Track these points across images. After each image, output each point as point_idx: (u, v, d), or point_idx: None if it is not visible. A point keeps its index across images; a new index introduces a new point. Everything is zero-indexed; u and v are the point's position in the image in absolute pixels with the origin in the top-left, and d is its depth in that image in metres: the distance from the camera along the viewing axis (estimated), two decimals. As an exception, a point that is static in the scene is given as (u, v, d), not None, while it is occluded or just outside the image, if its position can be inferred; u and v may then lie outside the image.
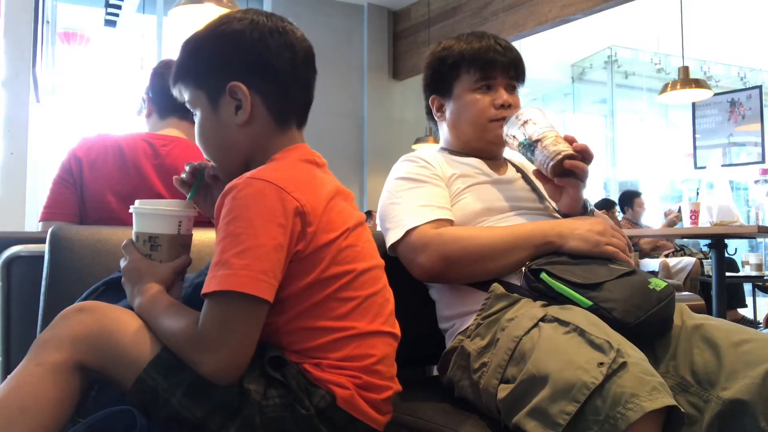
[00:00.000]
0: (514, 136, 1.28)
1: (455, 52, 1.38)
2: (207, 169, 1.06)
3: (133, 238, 1.00)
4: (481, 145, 1.39)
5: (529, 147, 1.25)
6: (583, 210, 1.29)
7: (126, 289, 0.97)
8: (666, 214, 5.47)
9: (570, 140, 1.23)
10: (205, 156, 1.05)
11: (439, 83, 1.41)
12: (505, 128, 1.31)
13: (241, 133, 0.99)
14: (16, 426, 0.80)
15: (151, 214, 0.98)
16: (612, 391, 0.85)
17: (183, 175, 1.06)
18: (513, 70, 1.38)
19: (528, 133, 1.25)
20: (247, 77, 0.97)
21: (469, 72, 1.36)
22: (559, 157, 1.20)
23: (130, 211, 0.99)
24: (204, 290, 0.84)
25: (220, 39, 0.98)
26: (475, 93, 1.36)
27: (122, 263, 0.99)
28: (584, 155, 1.21)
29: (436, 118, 1.45)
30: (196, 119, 1.02)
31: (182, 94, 1.03)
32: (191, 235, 1.03)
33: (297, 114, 1.03)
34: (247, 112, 0.97)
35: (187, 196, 1.05)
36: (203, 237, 1.20)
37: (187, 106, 1.03)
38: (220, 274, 0.83)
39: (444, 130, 1.45)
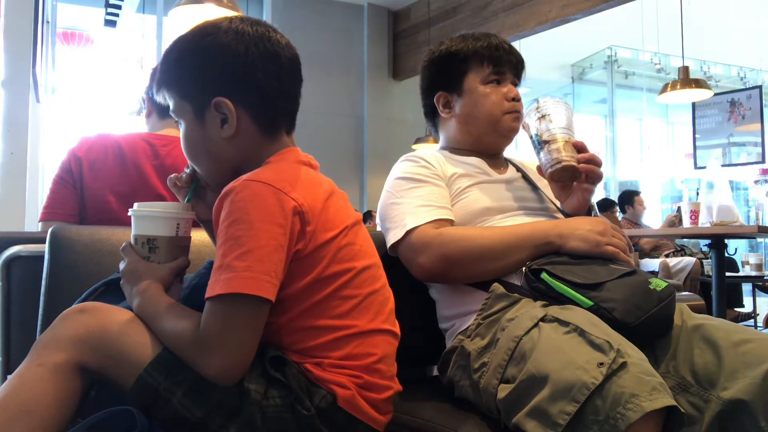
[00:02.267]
0: (529, 126, 1.30)
1: (465, 48, 1.39)
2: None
3: (132, 240, 1.00)
4: (493, 138, 1.39)
5: (536, 145, 1.27)
6: (587, 213, 1.29)
7: (125, 291, 0.97)
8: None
9: (579, 147, 1.24)
10: (192, 166, 1.04)
11: (447, 79, 1.42)
12: (524, 112, 1.33)
13: (228, 145, 0.98)
14: (18, 426, 0.80)
15: (149, 217, 0.99)
16: (612, 391, 0.85)
17: (183, 176, 1.06)
18: (517, 69, 1.41)
19: (541, 129, 1.26)
20: (232, 92, 0.96)
21: (481, 65, 1.38)
22: (558, 166, 1.23)
23: (129, 214, 0.99)
24: (208, 294, 0.84)
25: (206, 52, 0.97)
26: (487, 86, 1.38)
27: (121, 266, 0.99)
28: (591, 163, 1.24)
29: (442, 115, 1.44)
30: (182, 129, 1.01)
31: (166, 100, 1.02)
32: (189, 237, 1.03)
33: (285, 122, 1.03)
34: (233, 126, 0.96)
35: (185, 199, 1.05)
36: (202, 238, 1.20)
37: (172, 114, 1.02)
38: (223, 278, 0.83)
39: (451, 127, 1.44)
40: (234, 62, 0.96)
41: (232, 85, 0.96)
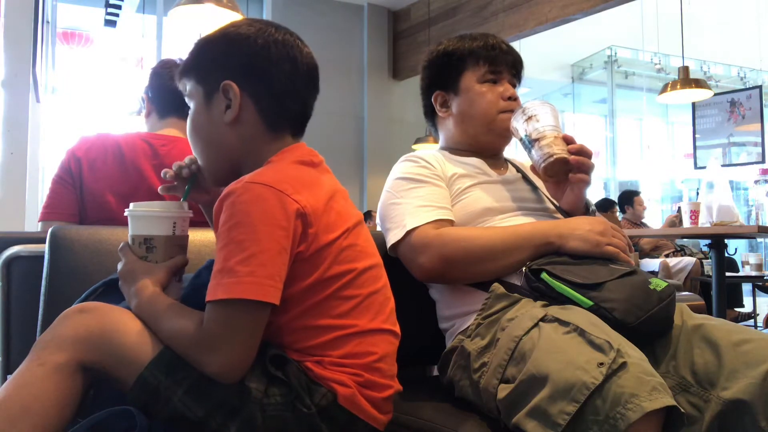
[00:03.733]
0: (517, 129, 1.30)
1: (462, 47, 1.40)
2: (197, 173, 1.06)
3: (129, 241, 1.00)
4: (489, 138, 1.39)
5: (527, 144, 1.27)
6: (585, 209, 1.29)
7: (123, 291, 0.97)
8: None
9: (568, 140, 1.25)
10: (192, 151, 1.05)
11: (445, 78, 1.42)
12: (512, 119, 1.33)
13: (228, 132, 0.99)
14: (19, 426, 0.80)
15: (145, 216, 0.99)
16: (612, 391, 0.85)
17: (174, 174, 1.06)
18: (515, 68, 1.41)
19: (529, 130, 1.26)
20: (242, 79, 0.98)
21: (477, 64, 1.38)
22: (551, 159, 1.22)
23: (125, 214, 0.99)
24: (210, 297, 0.84)
25: (226, 39, 1.00)
26: (483, 85, 1.38)
27: (119, 266, 0.99)
28: (582, 154, 1.24)
29: (440, 114, 1.45)
30: (190, 112, 1.03)
31: (186, 87, 1.04)
32: (187, 236, 1.03)
33: (291, 124, 1.03)
34: (235, 111, 0.98)
35: (181, 198, 1.05)
36: (201, 237, 1.20)
37: (186, 99, 1.04)
38: (225, 282, 0.83)
39: (448, 127, 1.45)
40: (249, 51, 0.98)
41: (243, 72, 0.98)
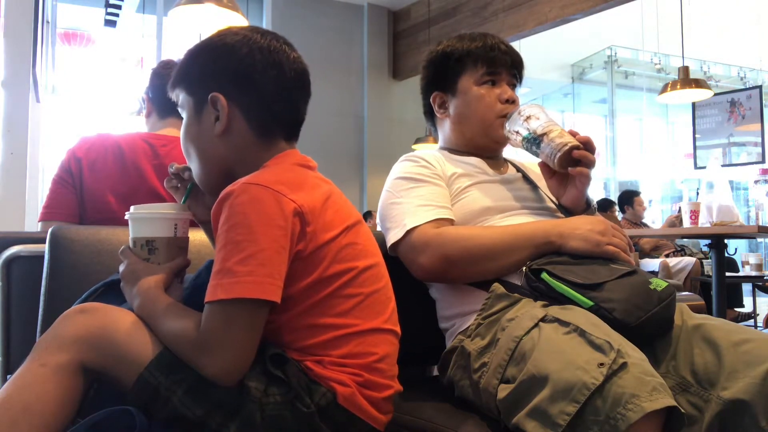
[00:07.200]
0: (517, 132, 1.29)
1: (461, 48, 1.39)
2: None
3: (130, 244, 1.00)
4: (486, 141, 1.39)
5: (534, 141, 1.26)
6: (586, 205, 1.29)
7: (125, 293, 0.97)
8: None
9: (573, 134, 1.25)
10: (186, 160, 1.05)
11: (443, 79, 1.42)
12: (506, 125, 1.32)
13: (219, 143, 0.99)
14: (21, 426, 0.80)
15: (146, 219, 0.99)
16: (612, 391, 0.85)
17: (172, 177, 1.06)
18: (515, 69, 1.40)
19: (532, 127, 1.26)
20: (229, 89, 0.98)
21: (475, 65, 1.37)
22: (566, 148, 1.22)
23: (126, 217, 1.00)
24: (209, 298, 0.84)
25: (211, 50, 1.01)
26: (481, 87, 1.37)
27: (121, 268, 0.99)
28: (588, 146, 1.24)
29: (437, 115, 1.45)
30: (183, 122, 1.04)
31: (178, 98, 1.05)
32: (188, 237, 1.03)
33: (283, 130, 1.03)
34: (223, 123, 0.98)
35: (181, 200, 1.05)
36: (202, 238, 1.20)
37: (179, 109, 1.05)
38: (225, 282, 0.83)
39: (446, 127, 1.45)
40: (235, 61, 0.98)
41: (230, 82, 0.98)
